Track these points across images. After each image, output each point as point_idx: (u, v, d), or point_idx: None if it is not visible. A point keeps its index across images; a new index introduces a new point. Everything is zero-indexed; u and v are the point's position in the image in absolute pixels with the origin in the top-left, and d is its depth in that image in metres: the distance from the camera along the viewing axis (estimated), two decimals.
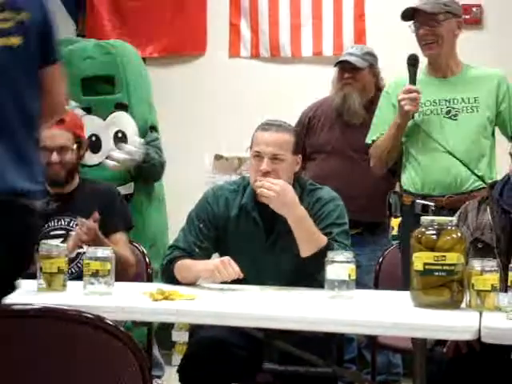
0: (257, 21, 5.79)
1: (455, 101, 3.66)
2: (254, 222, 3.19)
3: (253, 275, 3.06)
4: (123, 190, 4.47)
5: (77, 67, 4.63)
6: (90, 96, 4.64)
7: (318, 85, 5.31)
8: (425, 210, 3.56)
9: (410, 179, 3.69)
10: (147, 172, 4.62)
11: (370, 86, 4.37)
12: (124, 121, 4.64)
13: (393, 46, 5.19)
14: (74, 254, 3.44)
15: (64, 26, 5.90)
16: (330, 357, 3.08)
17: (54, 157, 3.56)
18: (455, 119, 3.65)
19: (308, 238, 3.04)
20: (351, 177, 4.24)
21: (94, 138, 4.55)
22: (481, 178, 3.58)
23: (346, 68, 4.36)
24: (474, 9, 5.41)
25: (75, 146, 3.63)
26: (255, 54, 5.83)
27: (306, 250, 3.03)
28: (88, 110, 4.59)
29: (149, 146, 4.62)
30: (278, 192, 3.03)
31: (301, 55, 5.73)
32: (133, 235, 3.86)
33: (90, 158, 4.46)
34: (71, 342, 1.86)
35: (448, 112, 3.66)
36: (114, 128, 4.61)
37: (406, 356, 4.03)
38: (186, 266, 3.09)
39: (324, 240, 3.03)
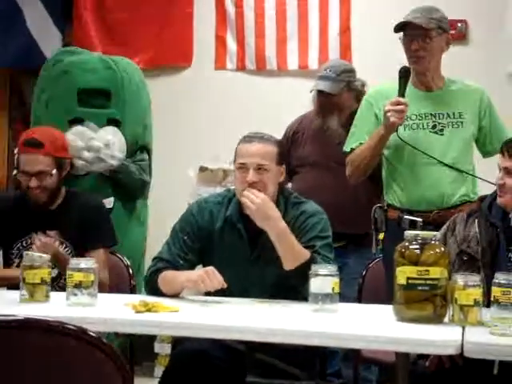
0: (243, 34, 5.81)
1: (440, 115, 3.66)
2: (239, 234, 3.18)
3: (237, 287, 3.06)
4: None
5: (75, 78, 4.68)
6: (85, 108, 4.67)
7: (303, 98, 5.31)
8: (412, 225, 3.55)
9: (394, 194, 3.68)
10: (124, 185, 4.66)
11: (349, 103, 4.37)
12: (113, 134, 4.68)
13: (378, 59, 5.22)
14: (55, 274, 3.41)
15: (51, 37, 5.91)
16: (313, 370, 3.08)
17: (33, 182, 3.50)
18: (441, 134, 3.64)
19: (290, 252, 3.04)
20: (334, 188, 4.24)
21: None
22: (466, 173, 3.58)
23: (322, 94, 4.37)
24: (459, 24, 5.44)
25: (55, 171, 3.56)
26: (241, 67, 5.84)
27: (288, 264, 3.03)
28: (81, 121, 4.63)
29: (130, 162, 4.65)
30: (258, 205, 3.04)
31: (286, 68, 5.75)
32: None
33: None
34: (54, 354, 1.85)
35: (434, 127, 3.65)
36: (102, 140, 4.63)
37: (387, 369, 4.03)
38: (169, 278, 3.09)
39: (307, 254, 3.03)
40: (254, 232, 3.13)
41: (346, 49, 5.59)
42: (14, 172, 3.62)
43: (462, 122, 3.66)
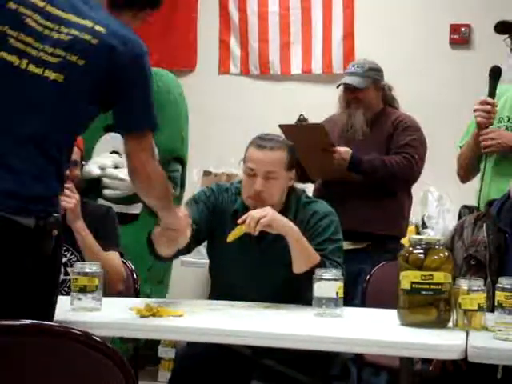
0: (246, 38, 5.82)
1: None
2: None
3: (242, 283, 3.09)
4: (130, 209, 4.75)
5: None
6: None
7: (307, 102, 5.34)
8: None
9: (478, 196, 3.61)
10: None
11: (376, 101, 4.37)
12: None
13: (382, 64, 5.22)
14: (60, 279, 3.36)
15: None
16: (317, 375, 3.08)
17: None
18: None
19: (303, 255, 3.02)
20: (359, 186, 4.22)
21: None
22: None
23: (349, 88, 4.37)
24: (463, 29, 5.45)
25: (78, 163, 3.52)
26: (245, 71, 5.86)
27: (299, 267, 3.02)
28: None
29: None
30: (269, 220, 2.99)
31: (290, 73, 5.76)
32: (135, 256, 3.91)
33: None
34: (59, 358, 1.85)
35: None
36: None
37: (393, 374, 4.03)
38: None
39: (317, 258, 3.03)
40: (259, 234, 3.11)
41: (349, 53, 5.60)
42: None
43: None
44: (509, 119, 3.57)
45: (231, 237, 3.01)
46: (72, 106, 2.39)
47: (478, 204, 3.53)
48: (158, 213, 2.69)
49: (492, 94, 3.50)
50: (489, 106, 3.46)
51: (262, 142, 3.18)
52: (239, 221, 3.01)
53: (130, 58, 2.39)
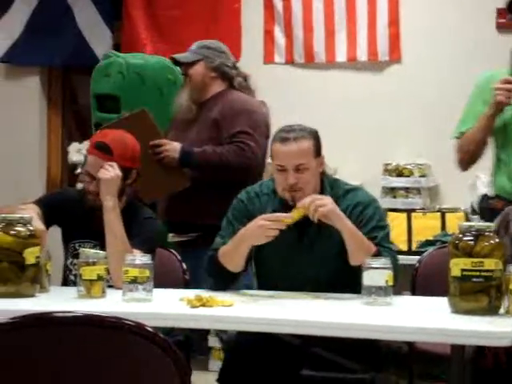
0: (291, 27, 5.81)
1: None
2: (288, 227, 3.14)
3: (287, 279, 3.08)
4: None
5: (93, 84, 4.73)
6: (102, 112, 4.69)
7: (352, 90, 5.31)
8: None
9: (501, 183, 3.63)
10: None
11: (204, 80, 4.14)
12: None
13: (427, 50, 5.18)
14: None
15: (101, 35, 5.97)
16: (368, 362, 3.07)
17: (93, 187, 3.34)
18: None
19: (360, 247, 3.00)
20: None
21: None
22: None
23: (177, 63, 4.30)
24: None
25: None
26: (289, 60, 5.84)
27: (356, 259, 2.99)
28: (99, 126, 4.55)
29: None
30: (329, 207, 2.99)
31: (335, 61, 5.73)
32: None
33: None
34: (111, 350, 1.87)
35: None
36: None
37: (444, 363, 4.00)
38: (227, 250, 3.09)
39: (372, 248, 3.01)
40: (302, 224, 3.10)
41: (394, 40, 5.55)
42: (79, 170, 3.54)
43: None
44: None
45: (290, 220, 3.00)
46: None
47: None
48: None
49: None
50: (510, 85, 3.45)
51: (284, 134, 3.12)
52: (299, 204, 3.00)
53: None
